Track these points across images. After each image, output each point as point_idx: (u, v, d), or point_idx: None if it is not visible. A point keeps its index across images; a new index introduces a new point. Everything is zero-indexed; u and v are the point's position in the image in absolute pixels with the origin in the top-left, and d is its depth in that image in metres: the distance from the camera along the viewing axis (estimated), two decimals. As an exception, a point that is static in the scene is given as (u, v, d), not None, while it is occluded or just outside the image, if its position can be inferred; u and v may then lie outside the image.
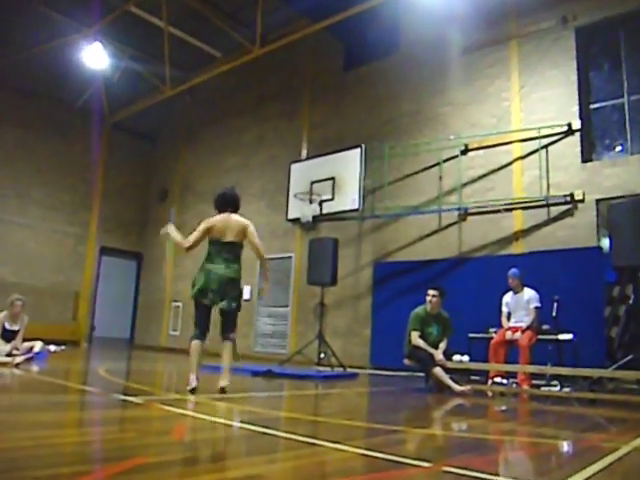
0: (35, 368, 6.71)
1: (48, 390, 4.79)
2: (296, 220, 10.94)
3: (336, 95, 12.14)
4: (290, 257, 11.94)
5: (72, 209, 14.89)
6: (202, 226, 4.93)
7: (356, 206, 9.80)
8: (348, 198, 9.89)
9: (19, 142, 13.95)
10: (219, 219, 4.94)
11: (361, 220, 10.69)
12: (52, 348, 9.38)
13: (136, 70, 14.20)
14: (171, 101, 15.20)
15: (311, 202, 10.25)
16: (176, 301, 14.63)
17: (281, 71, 13.51)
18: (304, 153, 12.22)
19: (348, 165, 10.04)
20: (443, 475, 2.21)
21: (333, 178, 10.16)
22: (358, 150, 10.01)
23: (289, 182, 11.08)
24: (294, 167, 11.25)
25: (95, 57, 12.59)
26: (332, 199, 10.13)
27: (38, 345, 7.81)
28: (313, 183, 10.47)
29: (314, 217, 10.24)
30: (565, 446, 3.25)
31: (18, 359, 6.86)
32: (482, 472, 2.21)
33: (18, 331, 7.61)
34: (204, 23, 12.65)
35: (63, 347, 10.87)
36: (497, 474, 2.35)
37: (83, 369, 7.70)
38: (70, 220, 14.82)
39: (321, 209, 10.19)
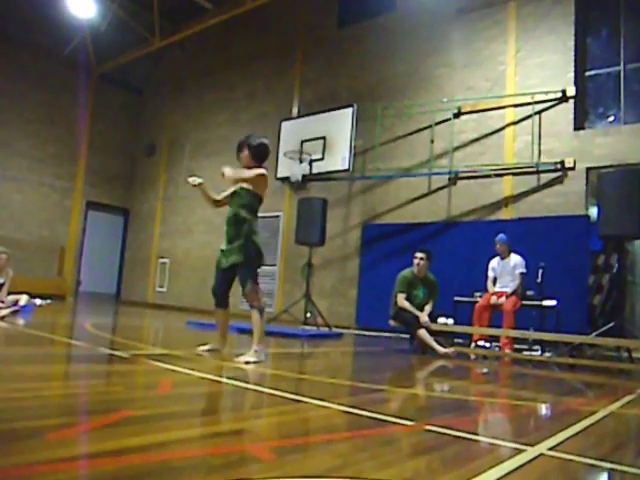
0: (21, 321, 6.70)
1: (34, 343, 4.79)
2: (285, 179, 10.85)
3: (329, 52, 11.90)
4: (278, 216, 11.91)
5: (58, 162, 14.64)
6: (260, 172, 4.27)
7: (346, 166, 9.73)
8: (338, 158, 9.80)
9: (2, 91, 13.56)
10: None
11: (351, 181, 10.64)
12: (38, 302, 9.36)
13: (124, 20, 13.76)
14: (160, 53, 14.88)
15: (301, 161, 10.15)
16: (163, 257, 14.61)
17: (274, 26, 13.17)
18: (295, 111, 12.04)
19: (339, 125, 9.92)
20: (425, 434, 2.25)
21: (324, 137, 10.04)
22: (350, 110, 9.87)
23: (279, 140, 10.94)
24: (285, 125, 11.09)
25: (82, 4, 12.17)
26: (322, 159, 10.04)
27: (24, 298, 7.79)
28: (303, 142, 10.35)
29: (303, 176, 10.16)
30: (544, 409, 3.32)
31: (3, 312, 6.85)
32: (463, 432, 2.25)
33: (3, 284, 7.58)
34: (195, -28, 12.27)
35: (49, 301, 10.87)
36: (477, 434, 2.40)
37: (69, 323, 7.71)
38: (56, 173, 14.59)
39: (311, 168, 10.11)
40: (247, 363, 3.99)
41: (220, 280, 4.45)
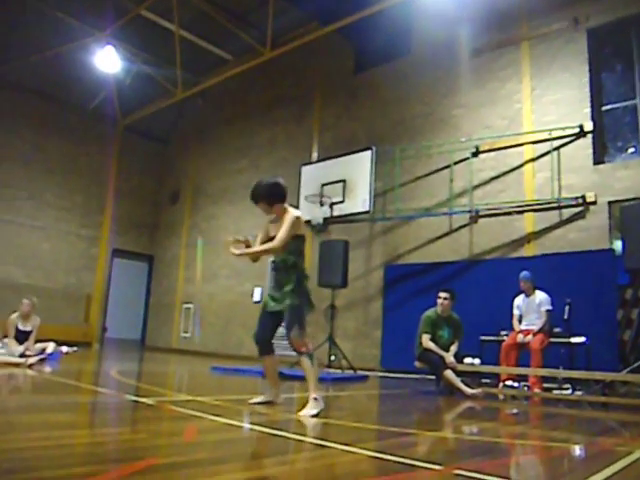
0: (48, 369, 6.77)
1: (60, 391, 4.83)
2: (307, 222, 10.92)
3: (347, 97, 12.14)
4: (301, 259, 11.92)
5: (85, 211, 15.02)
6: (296, 215, 4.28)
7: (367, 208, 9.77)
8: (359, 200, 9.87)
9: (32, 144, 14.09)
10: None
11: (372, 222, 10.68)
12: (64, 349, 9.44)
13: (148, 73, 14.30)
14: (183, 104, 15.33)
15: (322, 204, 10.24)
16: (187, 303, 14.69)
17: (292, 73, 13.54)
18: (315, 155, 12.23)
19: (359, 167, 10.02)
20: (454, 478, 2.20)
21: (344, 180, 10.14)
22: (369, 152, 9.98)
23: (300, 184, 11.08)
24: (305, 169, 11.24)
25: (108, 60, 12.72)
26: (343, 201, 10.11)
27: (51, 346, 7.88)
28: (324, 185, 10.45)
29: (325, 219, 10.22)
30: (577, 450, 3.22)
31: (31, 360, 6.92)
32: (493, 476, 2.20)
33: (31, 332, 7.68)
34: (215, 26, 12.72)
35: (75, 348, 10.95)
36: (508, 478, 2.34)
37: (95, 370, 7.75)
38: (83, 222, 14.94)
39: (332, 211, 10.17)
40: (313, 416, 3.72)
41: (266, 325, 4.32)
